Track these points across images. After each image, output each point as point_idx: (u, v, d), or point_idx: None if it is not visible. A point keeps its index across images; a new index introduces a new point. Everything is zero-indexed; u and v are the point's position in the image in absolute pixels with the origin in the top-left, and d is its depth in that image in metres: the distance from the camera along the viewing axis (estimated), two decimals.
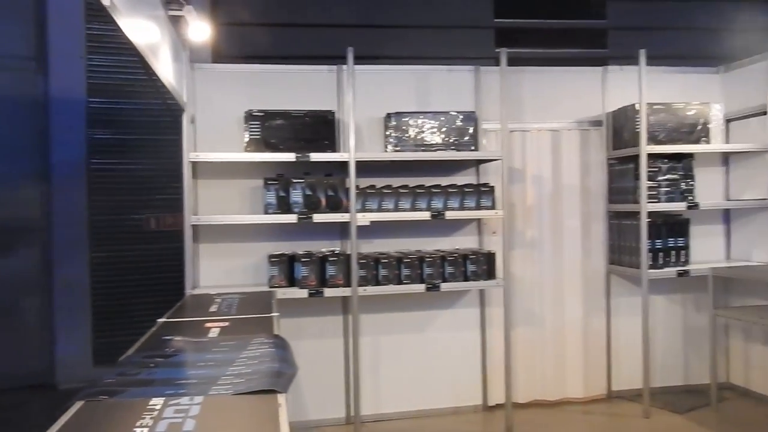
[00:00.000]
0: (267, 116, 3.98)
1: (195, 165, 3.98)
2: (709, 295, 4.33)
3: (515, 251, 4.53)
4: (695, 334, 4.80)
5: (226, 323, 2.77)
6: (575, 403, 4.63)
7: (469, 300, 4.52)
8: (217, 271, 4.19)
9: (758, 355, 4.61)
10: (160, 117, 4.96)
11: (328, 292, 3.95)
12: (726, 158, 4.85)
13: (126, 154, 5.14)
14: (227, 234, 4.19)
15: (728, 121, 4.78)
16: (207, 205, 4.16)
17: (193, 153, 3.88)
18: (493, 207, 4.18)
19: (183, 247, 3.88)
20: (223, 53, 4.88)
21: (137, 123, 5.15)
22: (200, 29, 3.51)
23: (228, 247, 4.22)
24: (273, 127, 3.98)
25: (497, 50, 4.20)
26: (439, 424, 4.32)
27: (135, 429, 1.42)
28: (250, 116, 3.99)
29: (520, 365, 4.55)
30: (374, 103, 4.32)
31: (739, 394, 4.73)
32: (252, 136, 3.98)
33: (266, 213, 3.94)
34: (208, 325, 2.73)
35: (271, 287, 3.92)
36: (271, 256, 3.98)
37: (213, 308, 3.18)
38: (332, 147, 4.07)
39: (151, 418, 1.49)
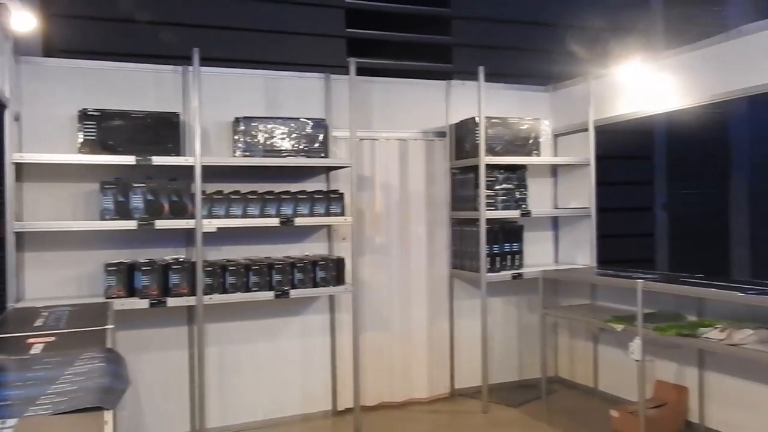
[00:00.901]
0: (104, 116, 3.74)
1: (20, 167, 3.64)
2: (539, 296, 4.70)
3: (364, 257, 4.63)
4: (528, 332, 5.18)
5: (52, 338, 2.56)
6: (421, 403, 4.81)
7: (319, 306, 4.54)
8: (46, 282, 3.87)
9: (582, 350, 5.08)
10: None
11: (172, 301, 3.78)
12: (554, 170, 5.30)
13: None
14: (58, 242, 3.88)
15: (556, 136, 5.23)
16: (34, 210, 3.82)
17: (17, 153, 3.55)
18: (342, 214, 4.24)
19: (4, 256, 3.53)
20: (57, 47, 4.51)
21: None
22: (25, 19, 3.23)
23: (59, 256, 3.91)
24: (111, 128, 3.74)
25: (348, 59, 4.28)
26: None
27: None
28: (84, 115, 3.72)
29: (368, 369, 4.65)
30: (222, 106, 4.22)
31: (566, 386, 5.17)
32: (87, 137, 3.71)
33: (103, 219, 3.69)
34: (31, 341, 2.51)
35: (107, 298, 3.68)
36: (108, 265, 3.75)
37: (38, 322, 2.92)
38: (176, 150, 3.91)
39: None
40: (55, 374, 1.97)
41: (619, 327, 3.99)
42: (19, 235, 3.63)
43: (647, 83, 4.38)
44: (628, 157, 6.19)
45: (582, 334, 5.07)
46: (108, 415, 1.62)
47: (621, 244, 5.78)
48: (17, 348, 2.38)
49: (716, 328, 3.51)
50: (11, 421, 1.51)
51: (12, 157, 3.49)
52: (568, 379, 5.21)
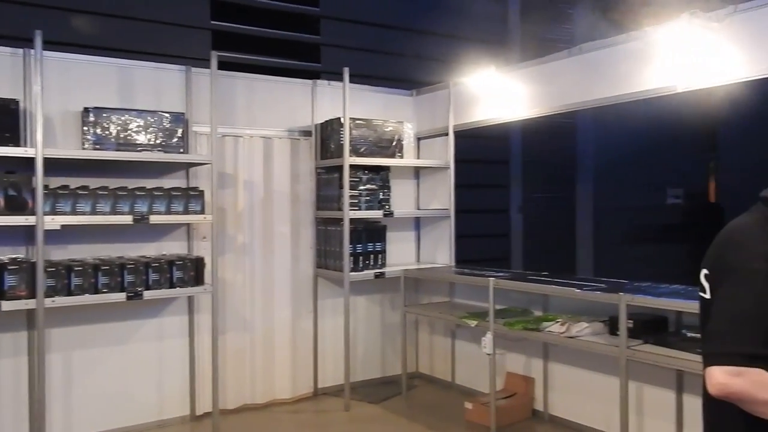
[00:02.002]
0: None
1: None
2: (401, 294, 4.83)
3: (225, 256, 4.51)
4: (391, 329, 5.30)
5: None
6: (284, 403, 4.77)
7: (177, 308, 4.37)
8: None
9: (440, 345, 5.28)
10: None
11: (7, 305, 3.46)
12: (417, 172, 5.47)
13: None
14: None
15: (419, 139, 5.40)
16: None
17: None
18: (202, 212, 4.10)
19: None
20: None
21: None
22: None
23: None
24: None
25: (211, 53, 4.14)
26: None
27: None
28: None
29: (229, 371, 4.54)
30: (70, 95, 3.94)
31: (426, 381, 5.35)
32: None
33: None
34: None
35: None
36: None
37: None
38: (15, 140, 3.59)
39: None
40: None
41: (473, 323, 4.19)
42: None
43: (503, 92, 4.64)
44: (486, 161, 6.53)
45: (441, 330, 5.27)
46: None
47: (478, 244, 6.09)
48: None
49: (557, 322, 3.79)
50: None
51: None
52: (427, 374, 5.39)
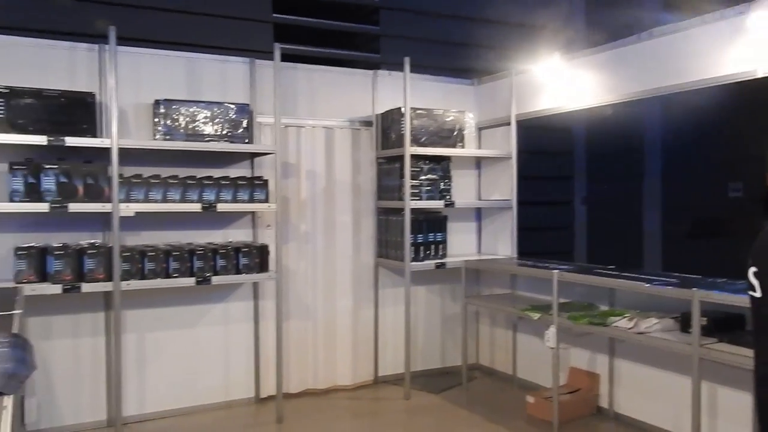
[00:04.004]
0: (13, 94, 3.55)
1: None
2: (461, 285, 4.81)
3: (289, 244, 4.61)
4: (451, 321, 5.29)
5: None
6: (344, 390, 4.85)
7: (242, 293, 4.49)
8: None
9: (501, 338, 5.23)
10: None
11: (87, 287, 3.65)
12: (478, 162, 5.42)
13: None
14: None
15: (480, 128, 5.35)
16: None
17: None
18: (266, 200, 4.20)
19: None
20: None
21: None
22: None
23: None
24: (21, 107, 3.56)
25: (274, 45, 4.22)
26: (208, 419, 4.23)
27: None
28: None
29: (292, 356, 4.64)
30: (142, 88, 4.10)
31: (486, 373, 5.32)
32: None
33: (11, 201, 3.52)
34: None
35: (17, 283, 3.52)
36: (18, 249, 3.58)
37: None
38: (92, 132, 3.76)
39: None
40: None
41: (535, 316, 4.13)
42: None
43: (567, 80, 4.54)
44: (548, 151, 6.40)
45: (502, 322, 5.22)
46: (7, 400, 1.57)
47: (541, 236, 5.98)
48: None
49: (625, 317, 3.69)
50: None
51: None
52: (488, 367, 5.36)
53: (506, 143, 5.06)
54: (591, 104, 4.41)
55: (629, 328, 3.56)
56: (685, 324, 3.40)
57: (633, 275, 3.81)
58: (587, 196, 7.93)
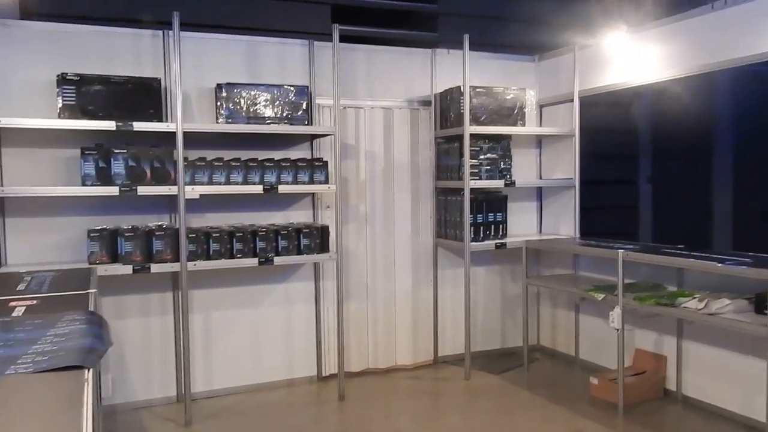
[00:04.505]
0: (83, 81, 3.68)
1: None
2: (522, 265, 4.74)
3: (348, 225, 4.64)
4: (511, 301, 5.23)
5: (35, 301, 2.56)
6: (404, 369, 4.88)
7: (303, 274, 4.56)
8: (28, 248, 3.85)
9: (563, 319, 5.15)
10: None
11: (155, 267, 3.78)
12: (539, 141, 5.31)
13: None
14: (40, 208, 3.85)
15: (541, 106, 5.23)
16: (14, 175, 3.78)
17: None
18: (326, 182, 4.23)
19: None
20: (34, 10, 4.41)
21: None
22: None
23: (41, 222, 3.88)
24: (91, 93, 3.69)
25: (332, 26, 4.22)
26: (272, 396, 4.34)
27: None
28: (63, 80, 3.66)
29: (352, 336, 4.69)
30: (204, 72, 4.17)
31: (547, 354, 5.25)
32: (66, 102, 3.66)
33: (84, 185, 3.66)
34: (13, 303, 2.50)
35: (91, 264, 3.67)
36: (90, 231, 3.73)
37: (21, 286, 2.91)
38: (158, 117, 3.87)
39: None
40: (37, 335, 1.97)
41: (599, 296, 4.04)
42: (0, 201, 3.59)
43: (633, 53, 4.37)
44: (613, 129, 6.20)
45: (564, 303, 5.13)
46: (88, 374, 1.63)
47: (604, 215, 5.81)
48: None
49: (695, 297, 3.56)
50: None
51: None
52: (549, 348, 5.29)
53: (568, 121, 4.93)
54: (657, 79, 4.25)
55: (699, 309, 3.44)
56: (760, 305, 3.26)
57: (703, 254, 3.67)
58: (653, 174, 7.67)
